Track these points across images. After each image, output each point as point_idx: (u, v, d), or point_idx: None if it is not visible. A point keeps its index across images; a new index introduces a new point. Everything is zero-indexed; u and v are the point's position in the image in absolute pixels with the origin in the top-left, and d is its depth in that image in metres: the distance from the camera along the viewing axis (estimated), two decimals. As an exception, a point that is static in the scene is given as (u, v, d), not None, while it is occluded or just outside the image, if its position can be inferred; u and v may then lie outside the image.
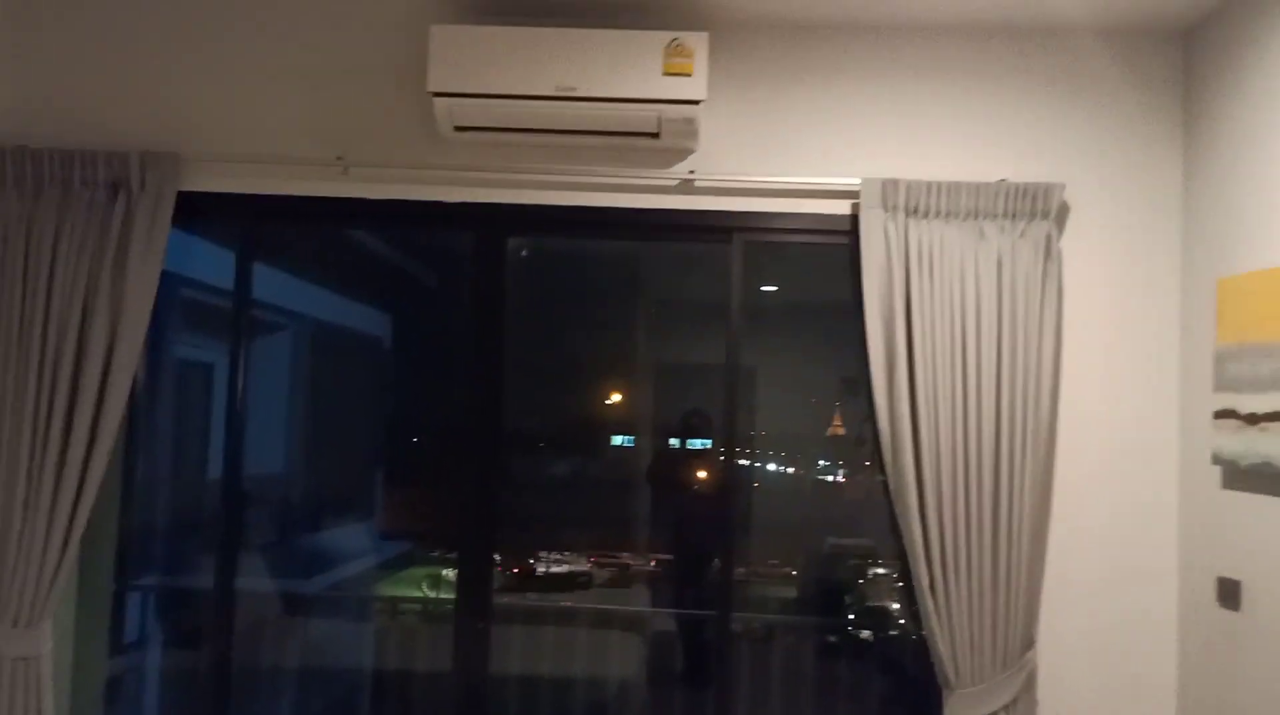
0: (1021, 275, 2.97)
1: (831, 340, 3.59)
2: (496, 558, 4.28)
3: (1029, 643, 2.96)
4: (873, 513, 3.29)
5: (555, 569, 4.57)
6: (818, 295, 3.73)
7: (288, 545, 4.35)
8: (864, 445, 3.44)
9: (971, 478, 2.94)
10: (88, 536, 3.09)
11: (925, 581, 2.93)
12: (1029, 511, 2.94)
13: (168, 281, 3.63)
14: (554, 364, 4.30)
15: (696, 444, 4.02)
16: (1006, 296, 2.96)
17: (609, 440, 4.46)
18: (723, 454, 3.25)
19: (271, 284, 3.91)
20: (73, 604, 3.30)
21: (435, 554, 4.55)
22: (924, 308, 2.97)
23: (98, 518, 3.15)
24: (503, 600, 4.17)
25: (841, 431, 3.97)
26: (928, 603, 2.93)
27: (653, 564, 4.45)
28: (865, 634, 3.97)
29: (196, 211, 3.22)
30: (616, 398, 4.49)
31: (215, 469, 3.41)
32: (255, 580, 3.90)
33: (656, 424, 4.26)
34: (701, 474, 4.01)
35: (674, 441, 4.13)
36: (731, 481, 3.27)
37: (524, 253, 3.45)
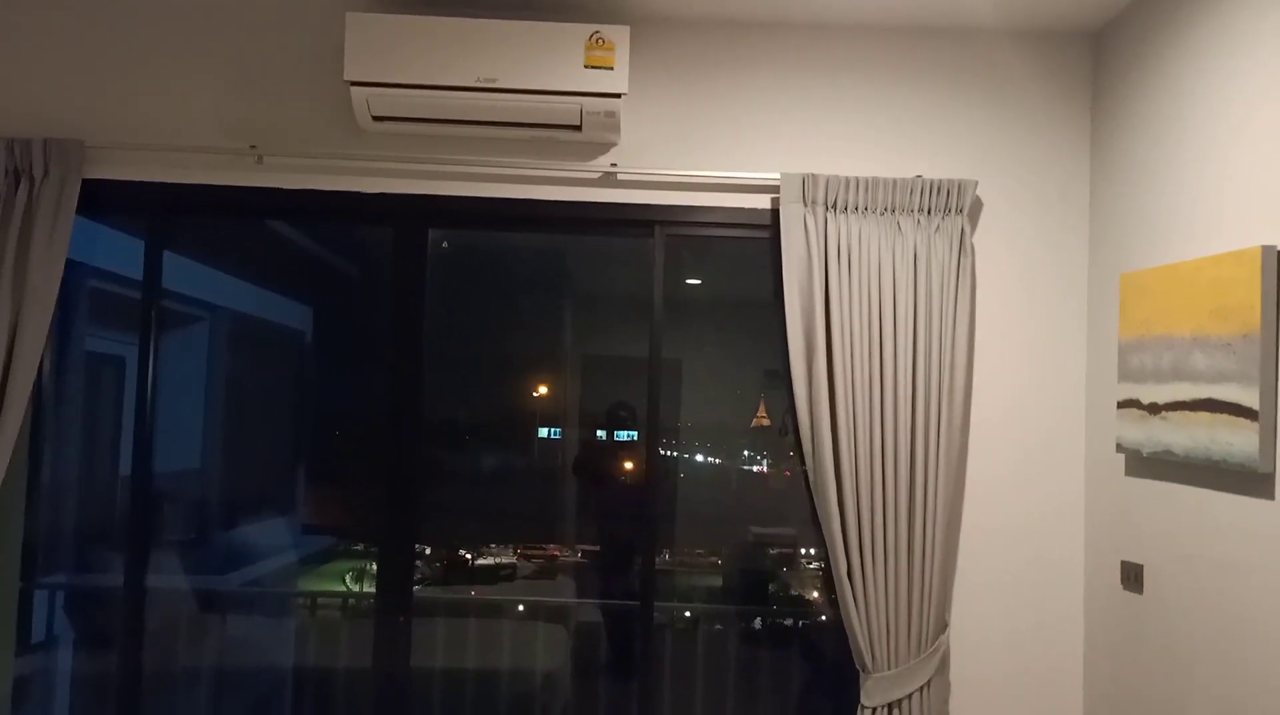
0: (937, 269, 3.03)
1: (755, 333, 3.63)
2: (426, 550, 4.25)
3: (942, 627, 3.03)
4: (795, 502, 3.34)
5: (480, 561, 4.55)
6: (741, 289, 3.77)
7: (205, 542, 4.26)
8: (787, 436, 3.48)
9: (888, 466, 3.00)
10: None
11: (843, 569, 2.98)
12: (943, 499, 3.01)
13: (78, 272, 3.53)
14: (479, 357, 4.27)
15: (623, 436, 4.03)
16: (922, 289, 3.03)
17: (535, 432, 4.45)
18: (645, 446, 3.27)
19: (188, 275, 3.81)
20: (-24, 605, 3.20)
21: (358, 547, 4.49)
22: (843, 301, 3.01)
23: (2, 515, 3.06)
24: (427, 593, 4.14)
25: (766, 422, 4.01)
26: (846, 589, 2.99)
27: (579, 555, 4.46)
28: (786, 621, 4.03)
29: (104, 200, 3.13)
30: (543, 390, 4.48)
31: (128, 465, 3.32)
32: (171, 578, 3.81)
33: (583, 416, 4.26)
34: (628, 466, 4.02)
35: (600, 434, 4.13)
36: (656, 473, 3.30)
37: (444, 244, 3.42)
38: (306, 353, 4.54)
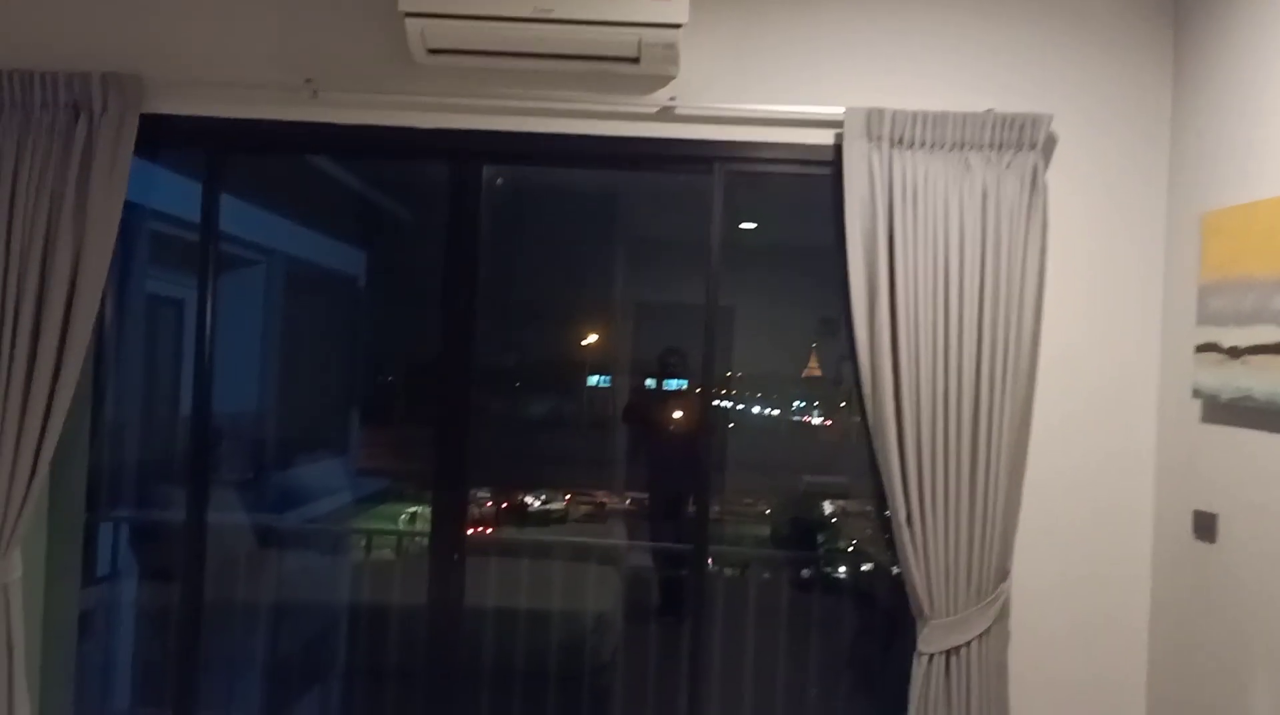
0: (1006, 208, 2.93)
1: (810, 280, 3.56)
2: (482, 494, 4.28)
3: (1004, 575, 2.97)
4: (848, 452, 3.29)
5: (530, 505, 4.59)
6: (795, 234, 3.70)
7: (263, 481, 4.32)
8: (841, 385, 3.42)
9: (951, 411, 2.92)
10: (58, 467, 3.05)
11: (903, 515, 2.93)
12: (1008, 445, 2.93)
13: (137, 214, 3.56)
14: (531, 302, 4.26)
15: (673, 384, 4.00)
16: (991, 229, 2.93)
17: (585, 380, 4.44)
18: (699, 394, 3.22)
19: (246, 219, 3.83)
20: (44, 535, 3.26)
21: (411, 491, 4.54)
22: (907, 240, 2.93)
23: (68, 450, 3.11)
24: (480, 535, 4.17)
25: (818, 373, 3.96)
26: (904, 536, 2.93)
27: (627, 502, 4.46)
28: (840, 568, 4.00)
29: (161, 136, 3.12)
30: (593, 337, 4.46)
31: (188, 404, 3.36)
32: (230, 515, 3.88)
33: (633, 364, 4.24)
34: (678, 414, 4.00)
35: (650, 381, 4.11)
36: (707, 421, 3.25)
37: (499, 181, 3.37)
38: (360, 297, 4.57)
